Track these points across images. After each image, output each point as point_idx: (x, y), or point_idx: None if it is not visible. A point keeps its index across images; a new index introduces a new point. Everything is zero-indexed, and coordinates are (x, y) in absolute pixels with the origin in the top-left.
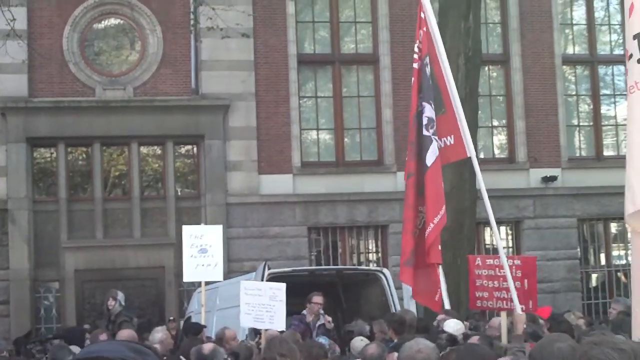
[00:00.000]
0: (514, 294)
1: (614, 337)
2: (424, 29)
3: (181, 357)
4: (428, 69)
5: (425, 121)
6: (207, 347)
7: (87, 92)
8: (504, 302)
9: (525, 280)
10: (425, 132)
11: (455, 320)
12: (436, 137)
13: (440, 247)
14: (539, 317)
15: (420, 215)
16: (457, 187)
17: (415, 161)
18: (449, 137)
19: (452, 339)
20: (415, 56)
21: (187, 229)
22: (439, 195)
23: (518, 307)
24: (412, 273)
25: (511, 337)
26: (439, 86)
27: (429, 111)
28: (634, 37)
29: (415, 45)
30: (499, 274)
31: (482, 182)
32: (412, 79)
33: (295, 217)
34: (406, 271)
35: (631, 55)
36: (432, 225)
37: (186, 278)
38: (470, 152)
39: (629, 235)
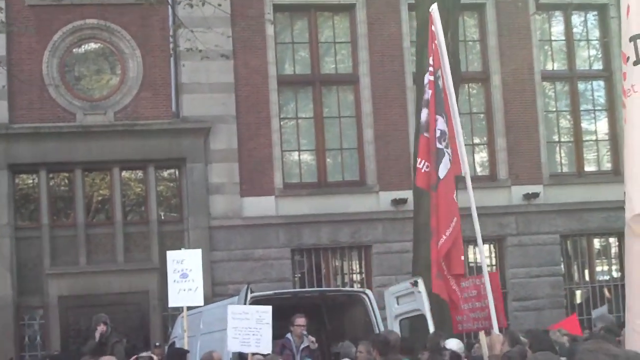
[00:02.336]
0: (493, 312)
1: (608, 344)
2: (435, 42)
3: None
4: (440, 82)
5: (438, 134)
6: None
7: (67, 117)
8: (480, 321)
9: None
10: (438, 145)
11: (456, 339)
12: (448, 150)
13: (462, 258)
14: (520, 336)
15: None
16: None
17: (435, 172)
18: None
19: (455, 356)
20: (430, 69)
21: (170, 254)
22: (450, 207)
23: (495, 325)
24: (443, 286)
25: (489, 357)
26: (444, 100)
27: (441, 124)
28: (630, 39)
29: (430, 58)
30: (471, 294)
31: (472, 199)
32: (429, 91)
33: (278, 239)
34: (438, 284)
35: (628, 58)
36: (444, 237)
37: (171, 303)
38: (465, 169)
39: (613, 250)
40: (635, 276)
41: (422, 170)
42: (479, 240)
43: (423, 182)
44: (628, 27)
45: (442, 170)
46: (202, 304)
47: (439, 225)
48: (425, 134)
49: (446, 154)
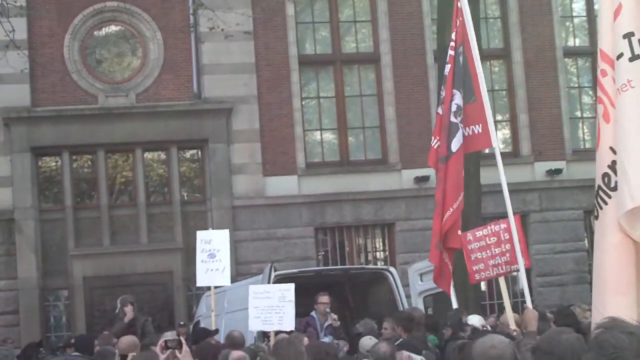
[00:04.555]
0: (518, 251)
1: (624, 321)
2: (460, 18)
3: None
4: (461, 58)
5: (454, 108)
6: (235, 355)
7: (89, 99)
8: (499, 267)
9: (514, 241)
10: (453, 119)
11: (478, 315)
12: (462, 125)
13: (459, 232)
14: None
15: None
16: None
17: (446, 146)
18: (476, 126)
19: (477, 332)
20: (452, 44)
21: (199, 234)
22: (458, 182)
23: (521, 263)
24: (439, 256)
25: (524, 334)
26: (471, 75)
27: (458, 99)
28: (624, 36)
29: (453, 34)
30: (490, 242)
31: (502, 173)
32: (448, 65)
33: (301, 218)
34: (434, 253)
35: (621, 54)
36: (451, 210)
37: (199, 283)
38: (495, 142)
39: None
40: (608, 267)
41: (434, 148)
42: (508, 204)
43: (432, 161)
44: (619, 25)
45: (455, 144)
46: (229, 283)
47: (446, 198)
48: (439, 111)
49: (460, 128)
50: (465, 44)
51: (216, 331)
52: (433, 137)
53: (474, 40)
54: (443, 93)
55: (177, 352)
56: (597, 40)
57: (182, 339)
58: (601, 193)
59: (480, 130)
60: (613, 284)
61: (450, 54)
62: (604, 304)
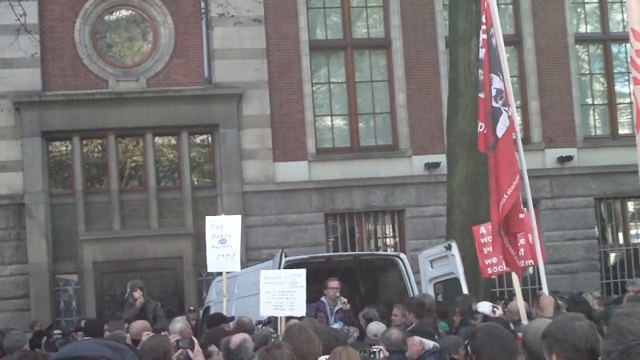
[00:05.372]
0: (538, 247)
1: None
2: (487, 1)
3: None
4: (494, 40)
5: (494, 92)
6: (235, 339)
7: (100, 84)
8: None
9: (529, 235)
10: (494, 104)
11: (488, 302)
12: (506, 108)
13: (521, 216)
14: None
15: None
16: (474, 170)
17: (492, 132)
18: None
19: (486, 319)
20: (484, 27)
21: (210, 220)
22: (511, 165)
23: (541, 260)
24: (502, 244)
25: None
26: (497, 58)
27: (497, 82)
28: None
29: (483, 17)
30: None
31: (524, 161)
32: (482, 49)
33: (311, 203)
34: (498, 242)
35: None
36: (506, 195)
37: (209, 268)
38: (516, 129)
39: None
40: None
41: (482, 133)
42: (528, 197)
43: (482, 146)
44: None
45: (501, 129)
46: (239, 269)
47: (499, 185)
48: (481, 95)
49: (504, 112)
50: (494, 26)
51: (232, 318)
52: (479, 122)
53: (498, 23)
54: (481, 77)
55: (189, 351)
56: (629, 22)
57: (193, 338)
58: None
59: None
60: None
61: (482, 38)
62: None
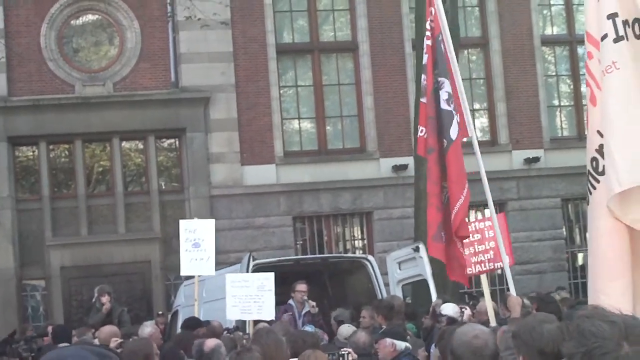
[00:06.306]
0: (502, 250)
1: (605, 309)
2: (434, 7)
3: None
4: (443, 46)
5: (445, 96)
6: (210, 343)
7: (66, 89)
8: (482, 264)
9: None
10: (446, 107)
11: (452, 304)
12: (455, 112)
13: (467, 220)
14: (527, 299)
15: (445, 190)
16: None
17: (435, 136)
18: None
19: (452, 321)
20: (428, 33)
21: (183, 223)
22: (463, 170)
23: (506, 262)
24: (443, 249)
25: (508, 320)
26: (446, 63)
27: (448, 86)
28: (608, 17)
29: (427, 23)
30: (473, 239)
31: (481, 162)
32: (426, 55)
33: (279, 206)
34: (435, 246)
35: (605, 35)
36: (462, 199)
37: (183, 272)
38: (471, 131)
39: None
40: (600, 252)
41: (422, 137)
42: (489, 200)
43: (422, 150)
44: (603, 6)
45: (454, 132)
46: (213, 273)
47: (453, 188)
48: (423, 100)
49: (455, 115)
50: (443, 32)
51: (207, 322)
52: (419, 126)
53: (447, 29)
54: (424, 82)
55: None
56: (585, 24)
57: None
58: (590, 178)
59: (459, 120)
60: (606, 269)
61: (427, 44)
62: (600, 289)
